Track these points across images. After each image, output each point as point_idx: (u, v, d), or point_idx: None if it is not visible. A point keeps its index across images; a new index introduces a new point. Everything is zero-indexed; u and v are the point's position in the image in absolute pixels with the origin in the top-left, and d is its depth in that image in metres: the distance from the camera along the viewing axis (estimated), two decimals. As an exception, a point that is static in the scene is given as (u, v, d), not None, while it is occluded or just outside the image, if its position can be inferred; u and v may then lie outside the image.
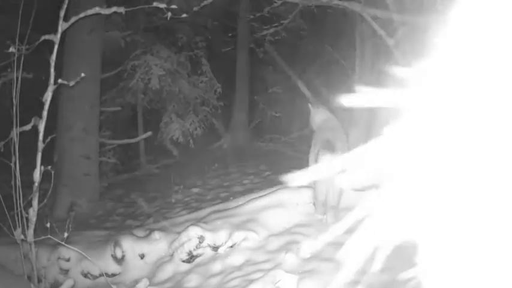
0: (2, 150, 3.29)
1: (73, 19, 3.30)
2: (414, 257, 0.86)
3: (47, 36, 3.17)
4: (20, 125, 3.21)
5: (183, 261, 3.61)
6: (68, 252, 3.79)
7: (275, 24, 6.87)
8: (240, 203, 4.15)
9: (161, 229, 4.07)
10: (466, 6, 0.71)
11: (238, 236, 3.59)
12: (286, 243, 3.43)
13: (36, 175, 3.06)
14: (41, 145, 3.10)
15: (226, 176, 7.73)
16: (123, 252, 3.78)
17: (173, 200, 6.60)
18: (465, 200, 0.73)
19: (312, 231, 3.55)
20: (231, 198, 4.45)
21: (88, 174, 6.85)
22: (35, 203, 3.07)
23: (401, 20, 5.57)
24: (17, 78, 3.17)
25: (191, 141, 9.44)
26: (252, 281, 3.01)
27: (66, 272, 3.82)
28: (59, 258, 3.86)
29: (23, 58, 3.24)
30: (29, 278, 3.27)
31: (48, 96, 3.12)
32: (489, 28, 0.71)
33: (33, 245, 3.07)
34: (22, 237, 3.02)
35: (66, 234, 3.40)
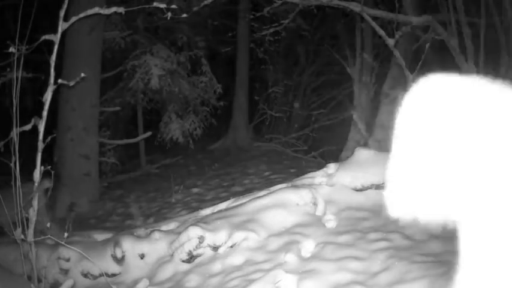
0: (1, 150, 3.29)
1: (73, 19, 3.30)
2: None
3: (47, 36, 3.17)
4: (20, 125, 3.21)
5: (183, 261, 3.61)
6: (68, 252, 3.78)
7: (275, 24, 6.87)
8: (239, 202, 4.15)
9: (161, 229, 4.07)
10: None
11: (238, 236, 3.59)
12: (286, 243, 3.43)
13: (36, 175, 3.06)
14: (41, 145, 3.10)
15: (226, 176, 7.72)
16: (123, 252, 3.78)
17: (173, 200, 6.59)
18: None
19: (312, 231, 3.55)
20: (231, 198, 4.44)
21: (88, 174, 6.85)
22: (35, 203, 3.07)
23: (402, 19, 5.57)
24: (17, 78, 3.17)
25: (191, 141, 9.44)
26: (252, 281, 3.01)
27: (66, 272, 3.82)
28: (59, 258, 3.86)
29: (23, 58, 3.24)
30: (29, 278, 3.27)
31: (48, 96, 3.12)
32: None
33: (33, 245, 3.07)
34: (22, 237, 3.02)
35: (66, 234, 3.40)
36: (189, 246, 3.62)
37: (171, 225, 4.31)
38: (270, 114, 11.37)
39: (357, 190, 3.99)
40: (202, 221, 3.92)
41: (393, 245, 3.20)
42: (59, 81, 3.16)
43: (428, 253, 3.11)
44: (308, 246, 3.31)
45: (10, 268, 3.61)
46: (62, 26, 3.16)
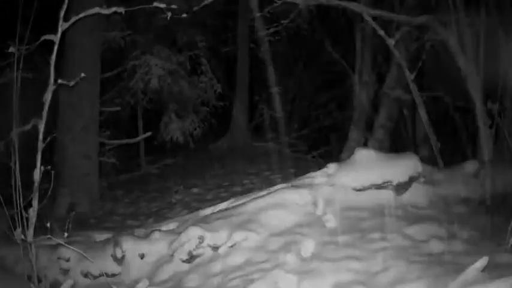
0: (1, 150, 3.30)
1: (73, 19, 3.29)
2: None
3: (46, 36, 3.17)
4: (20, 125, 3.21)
5: (183, 262, 3.61)
6: (68, 252, 3.78)
7: (275, 24, 6.87)
8: (239, 202, 4.15)
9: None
10: None
11: (238, 235, 3.59)
12: (286, 243, 3.43)
13: (36, 175, 3.06)
14: (40, 145, 3.10)
15: (226, 176, 7.73)
16: (123, 252, 3.78)
17: (173, 200, 6.59)
18: None
19: (312, 231, 3.55)
20: (231, 198, 4.44)
21: (88, 174, 6.85)
22: (35, 203, 3.07)
23: (402, 20, 5.57)
24: (17, 78, 3.17)
25: (191, 141, 9.43)
26: (252, 281, 3.00)
27: (66, 272, 3.81)
28: (59, 258, 3.85)
29: (22, 58, 3.24)
30: (29, 278, 3.26)
31: (48, 96, 3.12)
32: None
33: (33, 245, 3.07)
34: (22, 237, 3.02)
35: (66, 234, 3.40)
36: (189, 246, 3.62)
37: (171, 225, 4.31)
38: (270, 114, 11.36)
39: (357, 190, 3.99)
40: (202, 221, 3.92)
41: (393, 245, 3.20)
42: (59, 81, 3.16)
43: (428, 253, 3.11)
44: (308, 246, 3.30)
45: (10, 268, 3.61)
46: (62, 26, 3.15)
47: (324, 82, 11.81)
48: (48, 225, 3.12)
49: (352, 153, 4.44)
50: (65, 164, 6.67)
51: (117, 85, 9.21)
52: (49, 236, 3.11)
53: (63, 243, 3.45)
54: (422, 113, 5.47)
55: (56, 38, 3.15)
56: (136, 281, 3.55)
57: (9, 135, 3.23)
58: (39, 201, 3.10)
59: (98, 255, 3.77)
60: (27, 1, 3.58)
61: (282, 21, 6.63)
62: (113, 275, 3.74)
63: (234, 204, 4.22)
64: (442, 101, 7.40)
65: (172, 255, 3.68)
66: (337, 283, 2.85)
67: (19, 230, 3.01)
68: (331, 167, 4.26)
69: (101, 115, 7.86)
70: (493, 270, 2.42)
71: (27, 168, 3.14)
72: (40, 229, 3.29)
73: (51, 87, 3.10)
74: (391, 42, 5.22)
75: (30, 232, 3.04)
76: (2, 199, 3.10)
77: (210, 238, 3.62)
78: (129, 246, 3.80)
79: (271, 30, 7.16)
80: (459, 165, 4.56)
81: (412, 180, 4.05)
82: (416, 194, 4.04)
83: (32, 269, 3.14)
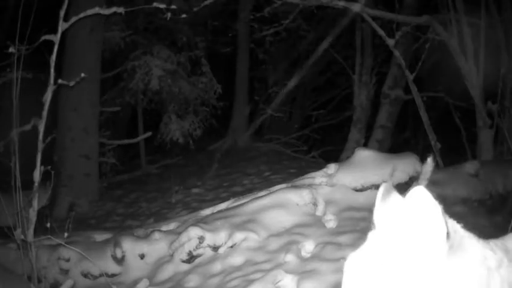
0: (1, 150, 3.30)
1: (73, 19, 3.30)
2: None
3: (47, 36, 3.18)
4: (20, 125, 3.21)
5: (183, 262, 3.61)
6: (68, 252, 3.78)
7: (275, 25, 6.87)
8: (240, 203, 4.15)
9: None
10: None
11: (238, 236, 3.59)
12: (286, 244, 3.43)
13: (36, 175, 3.06)
14: (40, 145, 3.10)
15: (226, 176, 7.71)
16: (123, 252, 3.78)
17: (173, 200, 6.59)
18: None
19: (312, 232, 3.55)
20: (231, 198, 4.44)
21: (88, 174, 6.85)
22: (35, 203, 3.07)
23: (402, 20, 5.57)
24: (17, 78, 3.17)
25: (191, 141, 9.43)
26: (252, 281, 3.00)
27: (66, 272, 3.81)
28: (59, 258, 3.85)
29: (23, 58, 3.24)
30: (29, 278, 3.27)
31: (48, 96, 3.12)
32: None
33: (33, 245, 3.07)
34: (22, 237, 3.02)
35: (66, 235, 3.40)
36: (189, 246, 3.62)
37: (171, 226, 4.31)
38: (270, 114, 11.36)
39: (357, 190, 3.99)
40: (202, 222, 3.92)
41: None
42: (59, 81, 3.16)
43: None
44: (308, 247, 3.30)
45: (10, 268, 3.61)
46: (62, 26, 3.16)
47: (323, 82, 11.81)
48: (48, 225, 3.12)
49: (352, 153, 4.44)
50: (65, 164, 6.67)
51: (117, 85, 9.21)
52: (49, 236, 3.12)
53: (63, 243, 3.45)
54: (422, 113, 5.48)
55: (56, 38, 3.15)
56: (136, 281, 3.56)
57: (9, 135, 3.23)
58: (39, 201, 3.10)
59: (98, 256, 3.77)
60: (27, 1, 3.58)
61: (282, 22, 6.63)
62: (113, 275, 3.74)
63: (234, 204, 4.22)
64: (442, 101, 7.41)
65: (172, 255, 3.68)
66: (337, 283, 2.84)
67: (19, 230, 3.02)
68: (331, 167, 4.26)
69: (101, 115, 7.86)
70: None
71: (28, 168, 3.15)
72: (40, 229, 3.29)
73: (51, 87, 3.10)
74: (391, 42, 5.22)
75: (30, 232, 3.04)
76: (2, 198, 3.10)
77: (210, 238, 3.62)
78: (129, 247, 3.81)
79: (271, 30, 7.17)
80: (459, 165, 4.56)
81: (412, 180, 4.05)
82: (416, 194, 4.03)
83: (32, 269, 3.14)
